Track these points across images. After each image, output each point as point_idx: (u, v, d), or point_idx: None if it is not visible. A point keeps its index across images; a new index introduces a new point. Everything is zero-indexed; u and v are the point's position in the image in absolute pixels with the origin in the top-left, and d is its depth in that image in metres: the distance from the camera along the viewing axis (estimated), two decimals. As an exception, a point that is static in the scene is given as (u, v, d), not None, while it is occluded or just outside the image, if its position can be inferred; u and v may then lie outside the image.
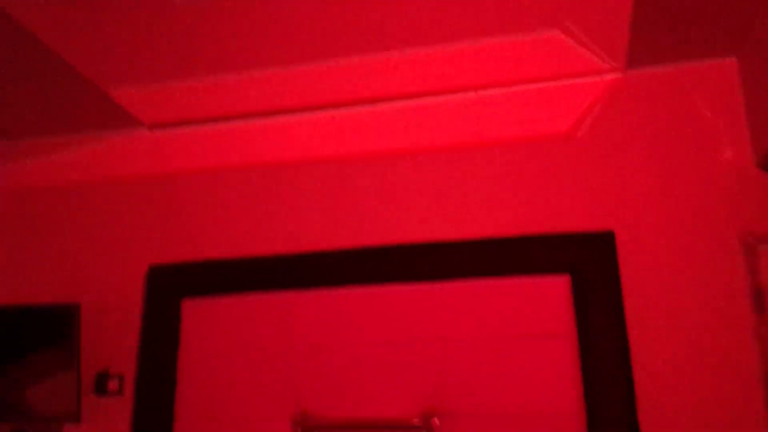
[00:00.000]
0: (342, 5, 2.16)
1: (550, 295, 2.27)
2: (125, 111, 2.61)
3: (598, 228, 2.29)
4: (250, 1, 2.13)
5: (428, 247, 2.41)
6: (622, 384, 2.11)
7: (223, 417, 2.39)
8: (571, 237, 2.30)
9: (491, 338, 2.28)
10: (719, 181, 2.23)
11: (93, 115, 2.65)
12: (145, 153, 2.73)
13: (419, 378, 2.29)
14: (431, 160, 2.48)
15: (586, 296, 2.21)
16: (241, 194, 2.62)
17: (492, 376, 2.24)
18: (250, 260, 2.53)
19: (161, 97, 2.62)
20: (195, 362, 2.47)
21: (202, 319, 2.51)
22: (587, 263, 2.25)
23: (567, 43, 2.34)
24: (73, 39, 2.21)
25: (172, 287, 2.57)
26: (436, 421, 2.23)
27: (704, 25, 2.11)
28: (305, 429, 2.31)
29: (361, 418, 2.28)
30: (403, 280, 2.40)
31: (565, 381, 2.17)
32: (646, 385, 2.11)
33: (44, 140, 2.84)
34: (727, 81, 2.29)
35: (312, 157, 2.57)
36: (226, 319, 2.49)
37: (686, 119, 2.30)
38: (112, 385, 2.52)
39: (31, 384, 2.42)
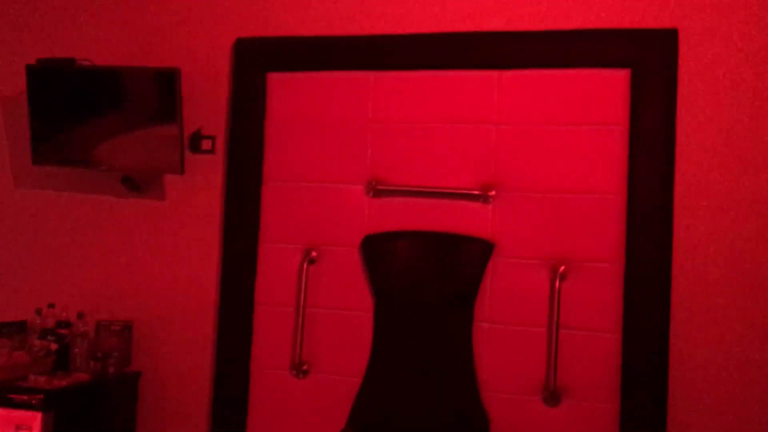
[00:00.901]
0: None
1: (610, 87, 2.46)
2: None
3: (662, 25, 2.43)
4: None
5: (497, 36, 2.58)
6: (664, 169, 2.39)
7: (306, 179, 2.73)
8: (635, 32, 2.45)
9: (549, 123, 2.52)
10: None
11: None
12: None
13: (481, 155, 2.58)
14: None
15: (644, 90, 2.41)
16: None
17: (547, 156, 2.51)
18: (333, 39, 2.72)
19: None
20: (280, 130, 2.77)
21: (287, 91, 2.76)
22: (649, 59, 2.41)
23: None
24: None
25: (257, 60, 2.80)
26: (493, 192, 2.55)
27: None
28: (376, 192, 2.65)
29: (427, 186, 2.61)
30: (473, 67, 2.60)
31: (612, 164, 2.44)
32: (686, 172, 2.39)
33: None
34: None
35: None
36: (309, 93, 2.74)
37: None
38: (206, 144, 2.85)
39: (138, 138, 2.74)
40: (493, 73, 2.59)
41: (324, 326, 2.67)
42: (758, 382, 2.30)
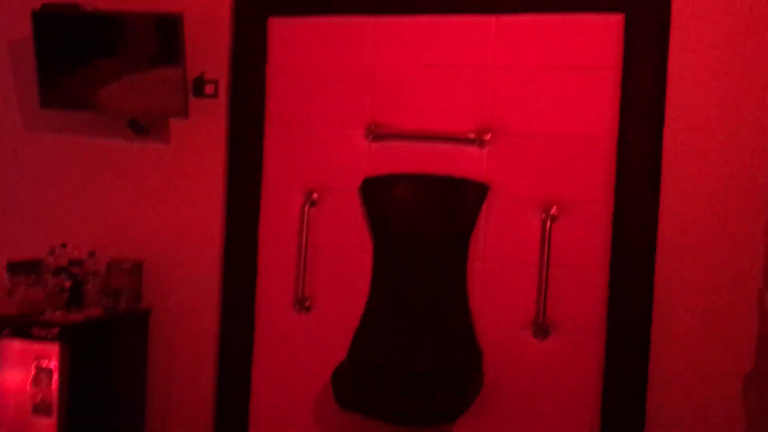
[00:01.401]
0: None
1: (603, 32, 2.51)
2: None
3: (657, -29, 2.47)
4: None
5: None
6: (655, 114, 2.46)
7: (307, 123, 2.80)
8: (630, -22, 2.49)
9: (544, 68, 2.58)
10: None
11: None
12: None
13: (476, 100, 2.65)
14: None
15: (637, 36, 2.46)
16: None
17: (541, 101, 2.58)
18: (332, -17, 2.77)
19: None
20: (281, 74, 2.83)
21: (287, 36, 2.81)
22: (642, 4, 2.46)
23: None
24: None
25: (258, 4, 2.84)
26: (488, 136, 2.63)
27: None
28: (376, 136, 2.73)
29: (424, 130, 2.69)
30: (469, 11, 2.65)
31: (604, 109, 2.51)
32: (676, 118, 2.46)
33: None
34: None
35: None
36: (309, 37, 2.79)
37: None
38: (208, 88, 2.91)
39: (142, 82, 2.81)
40: (490, 18, 2.63)
41: (325, 265, 2.79)
42: (738, 318, 2.42)
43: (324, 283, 2.79)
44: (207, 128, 2.92)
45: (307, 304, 2.80)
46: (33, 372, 2.54)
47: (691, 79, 2.45)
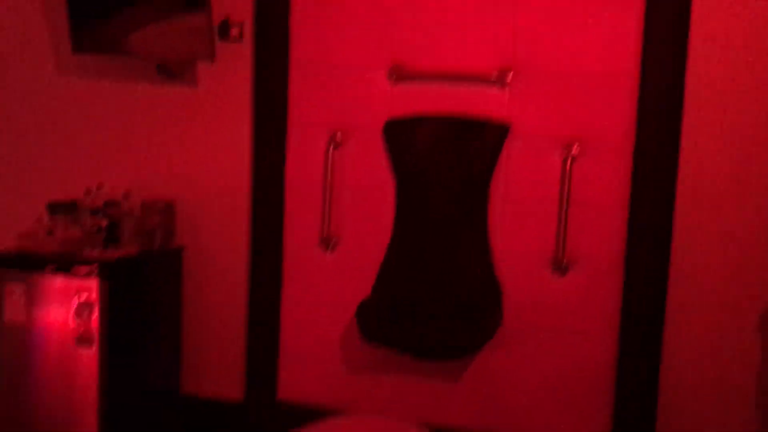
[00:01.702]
0: None
1: (627, -31, 2.49)
2: None
3: None
4: None
5: None
6: (677, 50, 2.45)
7: (331, 65, 2.84)
8: None
9: (565, 4, 2.58)
10: None
11: None
12: None
13: (498, 39, 2.66)
14: None
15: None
16: None
17: (562, 38, 2.59)
18: None
19: None
20: (305, 15, 2.85)
21: (311, -23, 2.84)
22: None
23: None
24: None
25: (281, -54, 2.86)
26: (509, 76, 2.64)
27: None
28: (399, 77, 2.76)
29: (446, 71, 2.71)
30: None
31: (626, 45, 2.52)
32: (700, 56, 2.45)
33: None
34: None
35: None
36: (332, -22, 2.82)
37: None
38: (234, 32, 2.95)
39: (169, 26, 2.86)
40: (513, -45, 2.62)
41: (350, 205, 2.87)
42: (757, 256, 2.46)
43: (349, 222, 2.87)
44: (233, 71, 2.97)
45: (332, 242, 2.89)
46: (74, 306, 2.69)
47: (716, 14, 2.42)
